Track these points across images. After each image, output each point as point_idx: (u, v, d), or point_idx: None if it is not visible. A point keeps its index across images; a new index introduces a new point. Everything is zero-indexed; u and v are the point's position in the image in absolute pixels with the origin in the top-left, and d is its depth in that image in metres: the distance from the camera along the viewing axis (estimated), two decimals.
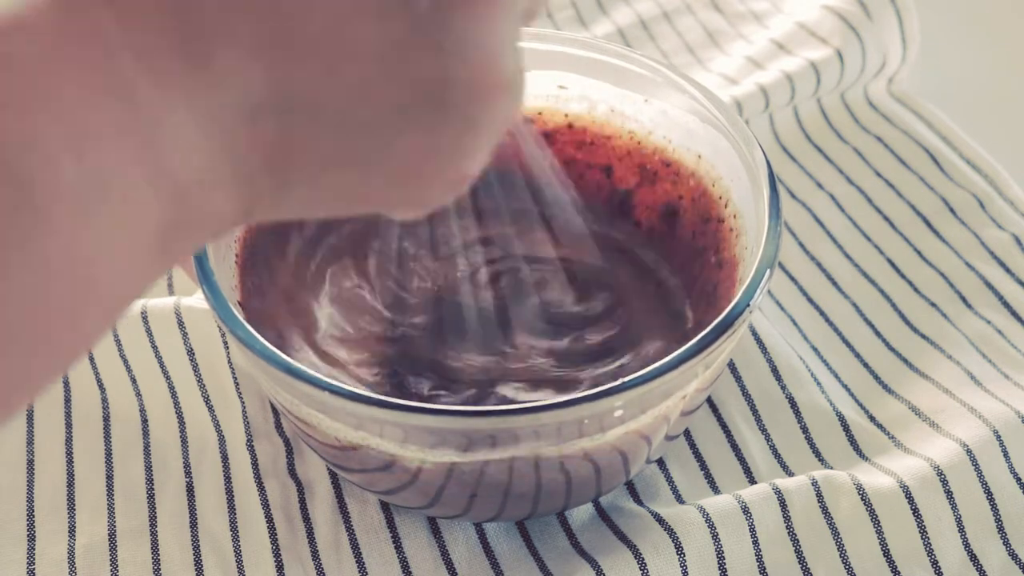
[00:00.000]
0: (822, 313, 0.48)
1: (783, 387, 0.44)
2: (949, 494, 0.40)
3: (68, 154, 0.20)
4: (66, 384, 0.45)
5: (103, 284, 0.22)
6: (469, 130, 0.24)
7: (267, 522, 0.40)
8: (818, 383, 0.44)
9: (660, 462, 0.42)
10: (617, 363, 0.40)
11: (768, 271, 0.35)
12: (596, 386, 0.33)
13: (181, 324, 0.45)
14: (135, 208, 0.22)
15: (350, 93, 0.23)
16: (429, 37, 0.23)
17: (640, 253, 0.44)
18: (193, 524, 0.41)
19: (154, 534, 0.40)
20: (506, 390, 0.39)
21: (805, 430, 0.43)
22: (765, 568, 0.39)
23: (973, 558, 0.39)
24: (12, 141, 0.20)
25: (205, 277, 0.35)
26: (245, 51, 0.22)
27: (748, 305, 0.34)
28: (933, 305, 0.47)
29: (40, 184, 0.20)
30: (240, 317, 0.34)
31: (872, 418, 0.44)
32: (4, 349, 0.20)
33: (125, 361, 0.45)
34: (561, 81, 0.44)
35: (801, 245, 0.50)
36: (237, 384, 0.44)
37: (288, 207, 0.25)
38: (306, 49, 0.22)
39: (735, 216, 0.41)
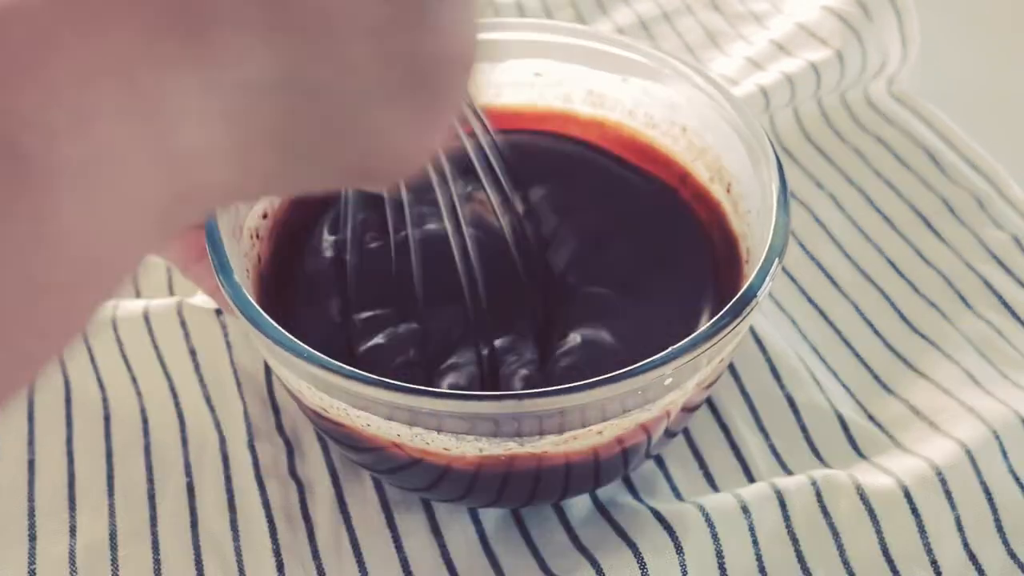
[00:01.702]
0: (822, 313, 0.48)
1: (783, 387, 0.44)
2: (948, 494, 0.40)
3: (68, 132, 0.21)
4: (67, 384, 0.45)
5: (103, 260, 0.22)
6: (437, 99, 0.27)
7: (267, 522, 0.40)
8: (818, 383, 0.44)
9: (659, 461, 0.42)
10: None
11: (776, 260, 0.35)
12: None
13: (183, 324, 0.45)
14: (136, 184, 0.22)
15: (343, 69, 0.25)
16: (410, 15, 0.25)
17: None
18: (193, 524, 0.41)
19: (154, 534, 0.40)
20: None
21: (804, 430, 0.43)
22: (765, 568, 0.39)
23: (972, 558, 0.39)
24: (11, 118, 0.20)
25: (233, 291, 0.34)
26: (249, 32, 0.23)
27: (755, 297, 0.34)
28: (933, 305, 0.47)
29: (39, 160, 0.20)
30: (274, 323, 0.34)
31: (872, 418, 0.44)
32: (2, 328, 0.21)
33: (126, 361, 0.45)
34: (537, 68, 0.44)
35: (801, 245, 0.50)
36: (239, 384, 0.44)
37: (282, 182, 0.27)
38: (307, 30, 0.24)
39: (741, 197, 0.40)
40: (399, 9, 0.25)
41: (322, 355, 0.32)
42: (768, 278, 0.34)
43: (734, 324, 0.33)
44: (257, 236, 0.40)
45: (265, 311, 0.34)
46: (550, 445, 0.34)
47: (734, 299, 0.34)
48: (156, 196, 0.23)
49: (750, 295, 0.34)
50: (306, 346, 0.33)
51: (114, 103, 0.22)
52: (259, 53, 0.23)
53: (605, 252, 0.42)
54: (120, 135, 0.22)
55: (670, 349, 0.32)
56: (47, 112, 0.21)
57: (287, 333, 0.33)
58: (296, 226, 0.42)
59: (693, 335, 0.33)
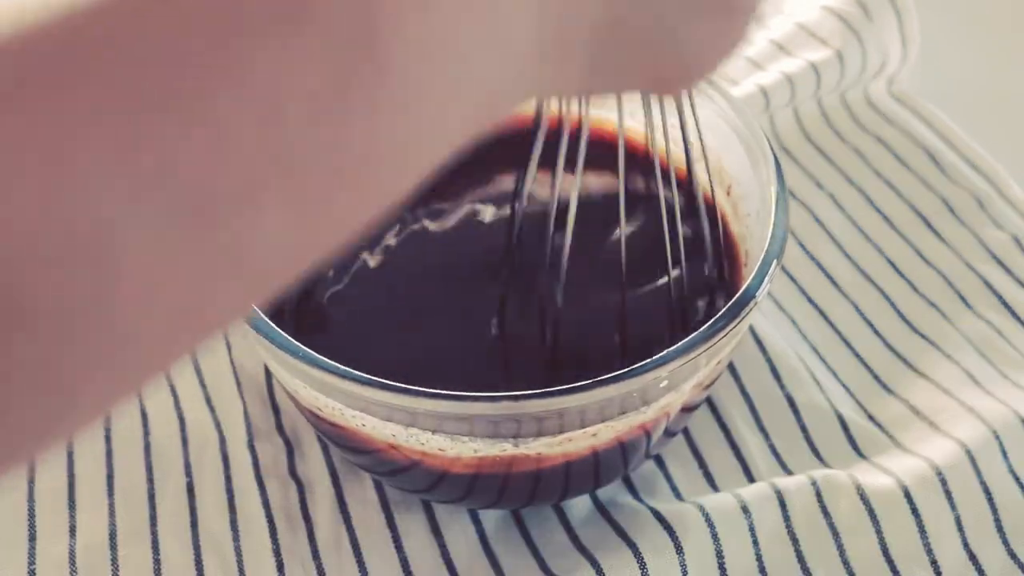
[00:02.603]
0: (822, 313, 0.48)
1: (782, 387, 0.44)
2: (948, 494, 0.40)
3: (414, 8, 0.20)
4: None
5: (418, 149, 0.22)
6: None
7: (267, 522, 0.40)
8: (818, 383, 0.44)
9: (659, 461, 0.42)
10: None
11: (774, 262, 0.35)
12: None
13: None
14: (465, 73, 0.22)
15: None
16: None
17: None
18: (193, 524, 0.41)
19: (154, 534, 0.40)
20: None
21: (804, 430, 0.43)
22: (765, 568, 0.39)
23: (972, 558, 0.39)
24: None
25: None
26: None
27: (753, 298, 0.34)
28: (933, 305, 0.47)
29: (384, 34, 0.20)
30: (269, 321, 0.34)
31: (872, 418, 0.44)
32: (353, 182, 0.21)
33: None
34: None
35: (801, 245, 0.50)
36: (239, 384, 0.44)
37: (582, 83, 0.27)
38: None
39: (741, 199, 0.40)
40: None
41: (316, 354, 0.32)
42: (766, 279, 0.34)
43: (732, 325, 0.33)
44: None
45: (262, 311, 0.34)
46: (545, 447, 0.34)
47: (732, 300, 0.34)
48: (480, 86, 0.23)
49: (748, 296, 0.34)
50: (300, 344, 0.33)
51: None
52: None
53: (603, 253, 0.42)
54: (464, 17, 0.21)
55: (668, 350, 0.32)
56: None
57: (281, 332, 0.33)
58: None
59: (691, 336, 0.33)
